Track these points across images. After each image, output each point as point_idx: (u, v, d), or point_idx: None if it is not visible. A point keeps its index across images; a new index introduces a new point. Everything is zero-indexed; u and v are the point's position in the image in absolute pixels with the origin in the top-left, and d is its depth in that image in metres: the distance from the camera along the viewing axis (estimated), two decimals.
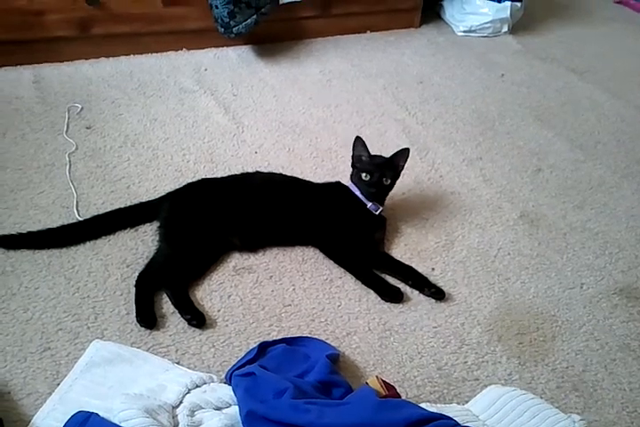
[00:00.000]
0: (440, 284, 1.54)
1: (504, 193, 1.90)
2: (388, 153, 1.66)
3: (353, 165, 1.69)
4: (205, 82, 2.34)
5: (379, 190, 1.65)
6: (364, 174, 1.63)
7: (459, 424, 1.08)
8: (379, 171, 1.62)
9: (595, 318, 1.50)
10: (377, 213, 1.65)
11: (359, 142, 1.66)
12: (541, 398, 1.24)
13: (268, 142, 2.05)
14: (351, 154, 1.68)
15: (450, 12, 2.97)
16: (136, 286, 1.43)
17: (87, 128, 2.01)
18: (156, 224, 1.61)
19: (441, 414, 1.09)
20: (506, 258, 1.66)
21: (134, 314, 1.37)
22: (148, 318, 1.37)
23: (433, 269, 1.60)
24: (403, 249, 1.66)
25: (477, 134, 2.19)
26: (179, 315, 1.39)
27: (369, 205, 1.65)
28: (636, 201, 1.91)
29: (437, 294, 1.52)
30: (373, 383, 1.19)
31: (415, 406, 1.12)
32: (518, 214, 1.81)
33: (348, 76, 2.50)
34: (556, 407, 1.19)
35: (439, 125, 2.23)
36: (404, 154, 1.66)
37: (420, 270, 1.57)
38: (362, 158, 1.67)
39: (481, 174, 1.98)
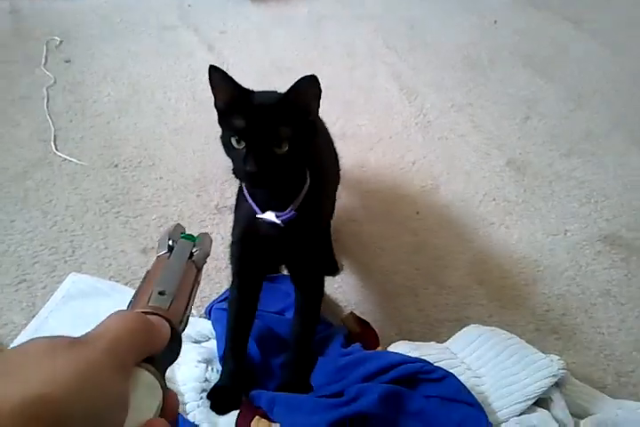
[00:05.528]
0: (424, 227, 1.53)
1: (492, 140, 1.87)
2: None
3: (219, 121, 0.93)
4: (188, 18, 2.26)
5: (265, 173, 0.86)
6: (234, 139, 0.88)
7: (426, 365, 1.06)
8: (261, 126, 0.86)
9: (577, 264, 1.50)
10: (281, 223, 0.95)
11: (217, 75, 0.88)
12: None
13: (252, 82, 1.97)
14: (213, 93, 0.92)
15: None
16: None
17: (66, 62, 1.94)
18: None
19: (403, 359, 1.06)
20: (491, 204, 1.64)
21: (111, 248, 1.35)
22: None
23: (417, 212, 1.58)
24: (387, 193, 1.63)
25: (468, 80, 2.14)
26: (156, 250, 1.36)
27: (261, 215, 0.95)
28: (624, 150, 1.88)
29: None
30: (348, 320, 1.19)
31: (374, 357, 1.07)
32: (505, 161, 1.79)
33: (337, 18, 2.42)
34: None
35: (429, 71, 2.17)
36: (310, 85, 0.87)
37: (403, 214, 1.55)
38: (230, 101, 0.90)
39: (470, 120, 1.94)
